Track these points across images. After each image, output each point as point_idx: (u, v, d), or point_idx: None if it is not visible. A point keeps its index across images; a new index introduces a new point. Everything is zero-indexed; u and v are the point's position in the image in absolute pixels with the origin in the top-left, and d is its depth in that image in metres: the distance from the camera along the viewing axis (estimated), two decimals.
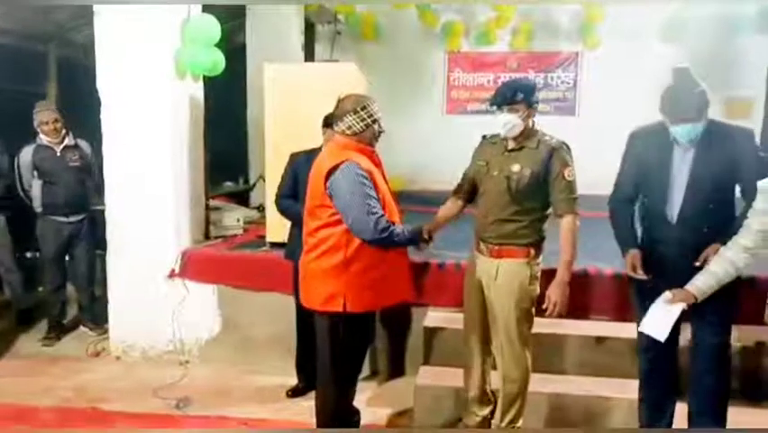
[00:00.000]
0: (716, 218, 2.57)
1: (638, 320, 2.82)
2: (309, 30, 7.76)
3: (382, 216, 2.55)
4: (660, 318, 2.60)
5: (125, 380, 4.06)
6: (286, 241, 3.74)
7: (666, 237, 2.66)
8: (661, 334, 2.60)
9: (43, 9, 5.54)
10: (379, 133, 2.71)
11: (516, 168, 2.77)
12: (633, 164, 2.78)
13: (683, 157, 2.62)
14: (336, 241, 2.60)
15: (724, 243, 2.52)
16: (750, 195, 2.48)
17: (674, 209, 2.63)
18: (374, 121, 2.65)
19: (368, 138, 2.67)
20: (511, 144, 2.82)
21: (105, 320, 4.53)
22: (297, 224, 3.43)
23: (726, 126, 2.62)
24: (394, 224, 2.62)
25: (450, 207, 3.04)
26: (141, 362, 4.33)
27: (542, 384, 3.21)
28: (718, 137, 2.58)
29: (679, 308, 2.54)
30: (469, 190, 3.02)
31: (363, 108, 2.63)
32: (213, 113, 4.81)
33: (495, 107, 2.79)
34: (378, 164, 2.73)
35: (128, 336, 4.38)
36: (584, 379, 3.39)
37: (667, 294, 2.58)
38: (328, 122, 3.26)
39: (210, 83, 4.70)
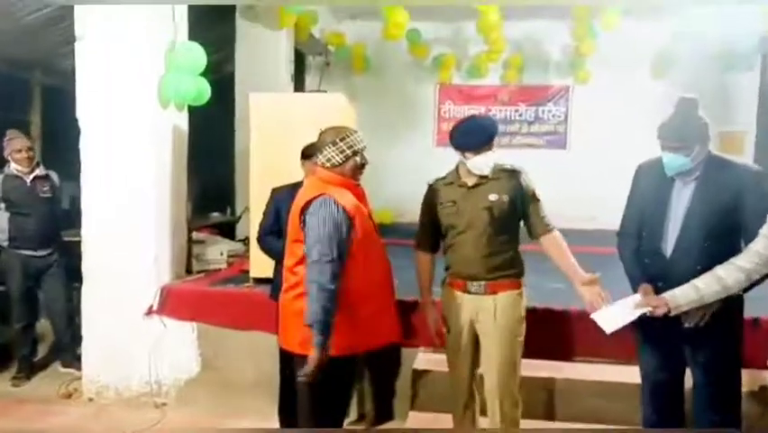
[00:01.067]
0: (711, 258, 2.40)
1: (640, 362, 2.69)
2: (299, 61, 7.72)
3: (338, 261, 2.41)
4: (616, 314, 2.48)
5: (97, 423, 3.85)
6: (271, 277, 3.58)
7: (661, 274, 2.52)
8: (608, 327, 2.47)
9: (29, 35, 5.43)
10: (362, 165, 2.59)
11: (493, 197, 2.72)
12: (636, 198, 2.69)
13: (681, 191, 2.52)
14: None
15: None
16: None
17: (669, 245, 2.51)
18: (355, 153, 2.54)
19: (349, 171, 2.55)
20: (472, 180, 2.77)
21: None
22: (280, 262, 3.30)
23: (731, 164, 2.50)
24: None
25: (427, 266, 2.94)
26: (115, 404, 4.10)
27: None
28: (721, 174, 2.46)
29: (639, 312, 2.41)
30: (433, 238, 2.92)
31: (343, 139, 2.53)
32: (201, 143, 4.68)
33: (473, 149, 2.71)
34: (361, 197, 2.62)
35: (102, 375, 4.17)
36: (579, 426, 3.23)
37: (637, 297, 2.46)
38: (306, 154, 3.19)
39: (199, 112, 4.59)
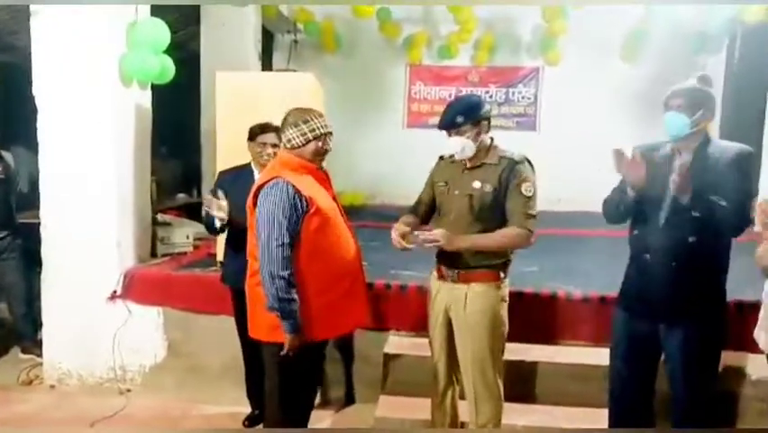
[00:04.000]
0: (700, 231, 2.39)
1: (612, 346, 2.68)
2: (268, 40, 7.54)
3: (288, 245, 2.36)
4: None
5: (60, 411, 3.73)
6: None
7: (653, 244, 2.49)
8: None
9: None
10: (325, 150, 2.54)
11: (476, 185, 2.64)
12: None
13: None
14: None
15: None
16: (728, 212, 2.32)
17: (663, 214, 2.47)
18: (316, 137, 2.49)
19: (309, 154, 2.51)
20: (470, 162, 2.69)
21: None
22: (210, 231, 3.24)
23: (720, 143, 2.51)
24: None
25: (409, 220, 2.80)
26: (79, 390, 4.00)
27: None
28: (713, 152, 2.45)
29: None
30: (426, 212, 2.86)
31: (306, 122, 2.48)
32: (168, 123, 4.54)
33: (442, 128, 2.67)
34: (324, 180, 2.59)
35: (64, 362, 4.05)
36: (553, 409, 3.24)
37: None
38: (252, 135, 3.21)
39: (165, 92, 4.44)
